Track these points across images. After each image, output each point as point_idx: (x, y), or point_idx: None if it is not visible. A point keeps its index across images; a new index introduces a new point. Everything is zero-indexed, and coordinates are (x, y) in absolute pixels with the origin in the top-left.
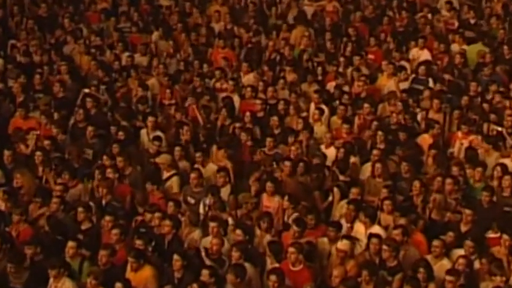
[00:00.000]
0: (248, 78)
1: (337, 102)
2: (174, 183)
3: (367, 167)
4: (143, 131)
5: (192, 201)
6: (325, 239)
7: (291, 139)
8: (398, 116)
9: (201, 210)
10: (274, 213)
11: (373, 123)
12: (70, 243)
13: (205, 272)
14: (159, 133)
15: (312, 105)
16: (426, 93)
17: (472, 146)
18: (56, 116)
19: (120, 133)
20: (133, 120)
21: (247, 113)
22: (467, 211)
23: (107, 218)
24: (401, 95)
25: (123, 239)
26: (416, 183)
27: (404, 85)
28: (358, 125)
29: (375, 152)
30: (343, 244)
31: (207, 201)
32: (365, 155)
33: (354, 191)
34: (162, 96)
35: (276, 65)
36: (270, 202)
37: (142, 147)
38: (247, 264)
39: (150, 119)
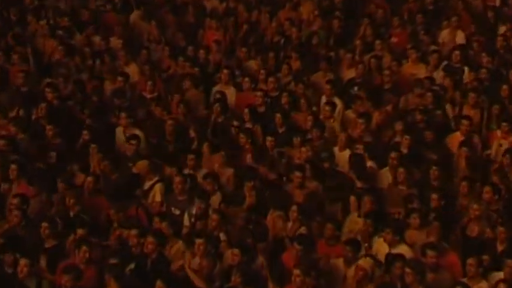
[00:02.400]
0: (248, 66)
1: (353, 94)
2: (157, 191)
3: (387, 172)
4: (119, 129)
5: (177, 211)
6: (341, 261)
7: (296, 140)
8: (425, 111)
9: (186, 222)
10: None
11: (398, 122)
12: (22, 261)
13: None
14: (137, 132)
15: (323, 99)
16: (460, 83)
17: None
18: (14, 112)
19: (85, 132)
20: (106, 117)
21: (246, 110)
22: (501, 228)
23: (79, 231)
24: (430, 86)
25: (93, 259)
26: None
27: (434, 74)
28: (378, 121)
29: (396, 154)
30: (365, 261)
31: (194, 211)
32: (384, 158)
33: (369, 200)
34: (142, 87)
35: (280, 50)
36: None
37: (118, 149)
38: None
39: (123, 115)
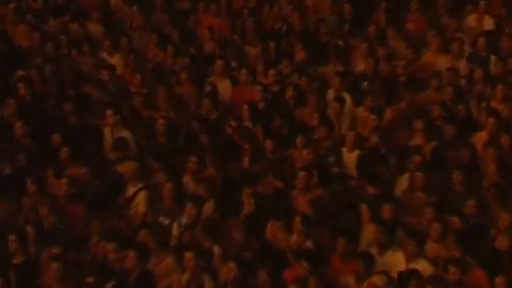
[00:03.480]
0: (245, 56)
1: (364, 88)
2: (140, 201)
3: (404, 177)
4: (107, 130)
5: (166, 221)
6: (351, 278)
7: (300, 140)
8: (445, 106)
9: (175, 232)
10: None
11: (418, 121)
12: None
13: None
14: (125, 133)
15: (331, 93)
16: (486, 75)
17: None
18: None
19: (57, 135)
20: (86, 116)
21: (245, 106)
22: None
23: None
24: (452, 78)
25: (68, 278)
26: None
27: (458, 64)
28: (391, 119)
29: (415, 157)
30: (379, 278)
31: (184, 221)
32: (401, 161)
33: (387, 208)
34: (128, 80)
35: (282, 39)
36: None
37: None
38: None
39: (109, 113)
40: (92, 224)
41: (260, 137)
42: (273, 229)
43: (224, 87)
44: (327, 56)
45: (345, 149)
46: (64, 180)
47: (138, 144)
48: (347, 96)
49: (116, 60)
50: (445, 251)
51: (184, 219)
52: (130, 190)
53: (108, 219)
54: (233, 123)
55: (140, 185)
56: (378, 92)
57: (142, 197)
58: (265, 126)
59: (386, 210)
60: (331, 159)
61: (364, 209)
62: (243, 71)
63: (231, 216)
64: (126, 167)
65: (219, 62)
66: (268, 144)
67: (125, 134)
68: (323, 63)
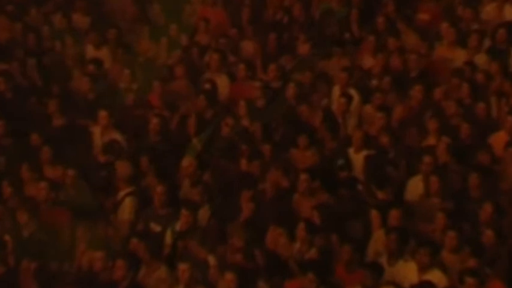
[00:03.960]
0: (244, 49)
1: (373, 85)
2: (126, 206)
3: (417, 181)
4: (96, 130)
5: (158, 228)
6: None
7: (303, 140)
8: (461, 104)
9: (168, 240)
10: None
11: (431, 120)
12: None
13: None
14: (117, 135)
15: (336, 90)
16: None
17: None
18: None
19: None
20: (72, 115)
21: (242, 102)
22: None
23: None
24: (469, 73)
25: None
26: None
27: (476, 58)
28: (401, 118)
29: (428, 159)
30: None
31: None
32: (412, 163)
33: (396, 214)
34: (116, 76)
35: (283, 31)
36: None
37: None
38: None
39: (103, 114)
40: (78, 231)
41: (258, 137)
42: (274, 236)
43: (221, 83)
44: (333, 49)
45: (351, 150)
46: (43, 184)
47: (129, 145)
48: (354, 93)
49: (103, 53)
50: (461, 260)
51: (178, 226)
52: (120, 194)
53: (95, 226)
54: (229, 121)
55: (129, 190)
56: (388, 89)
57: (128, 203)
58: (265, 125)
59: (397, 217)
60: (336, 161)
61: (373, 215)
62: (241, 65)
63: (229, 223)
64: (119, 166)
65: (215, 56)
66: (267, 149)
67: (115, 135)
68: (328, 57)
